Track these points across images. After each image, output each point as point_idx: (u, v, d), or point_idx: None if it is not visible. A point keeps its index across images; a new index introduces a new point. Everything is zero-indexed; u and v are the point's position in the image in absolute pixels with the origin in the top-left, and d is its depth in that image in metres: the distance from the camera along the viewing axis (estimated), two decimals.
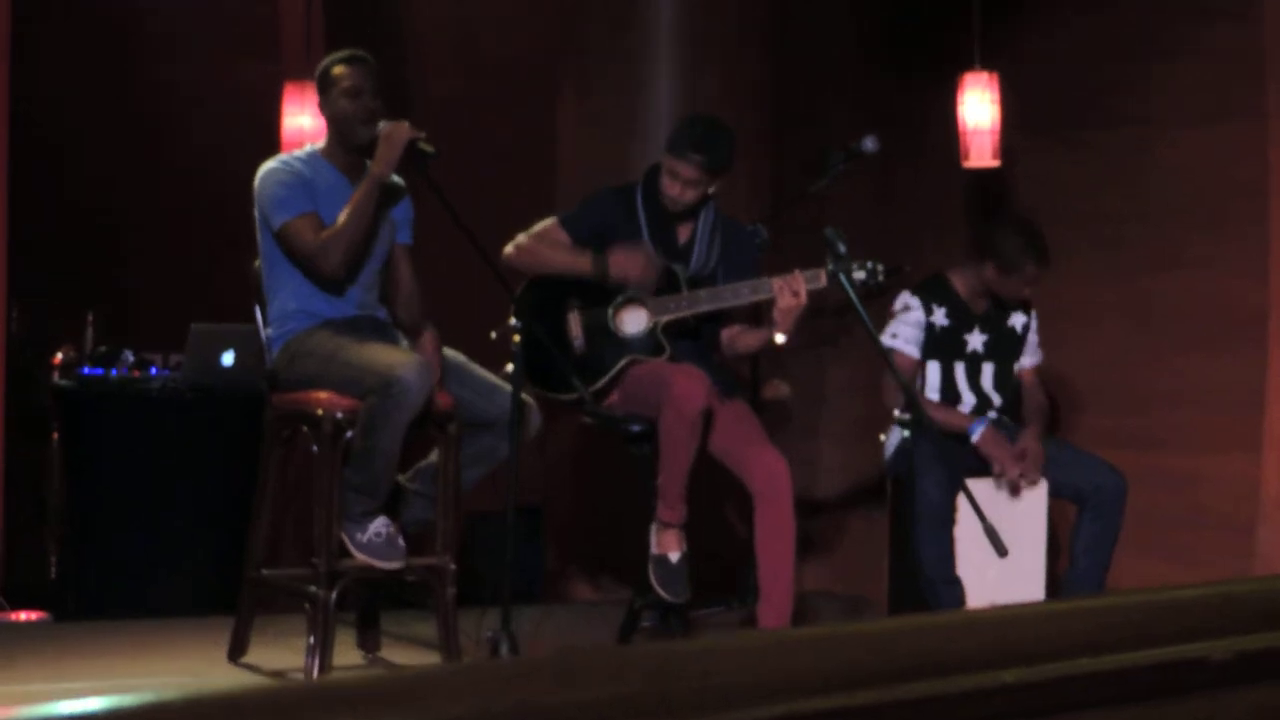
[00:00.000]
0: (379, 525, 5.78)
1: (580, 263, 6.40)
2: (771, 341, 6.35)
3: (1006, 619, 2.02)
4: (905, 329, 6.71)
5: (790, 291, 6.18)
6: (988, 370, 6.80)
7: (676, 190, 6.35)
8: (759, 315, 6.57)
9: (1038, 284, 6.70)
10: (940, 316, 6.74)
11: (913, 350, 6.70)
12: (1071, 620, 2.02)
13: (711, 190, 6.43)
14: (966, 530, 6.35)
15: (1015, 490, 6.57)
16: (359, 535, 5.77)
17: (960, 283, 6.78)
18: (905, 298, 6.74)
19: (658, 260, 6.37)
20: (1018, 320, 6.86)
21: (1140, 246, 7.73)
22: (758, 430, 6.42)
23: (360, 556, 5.78)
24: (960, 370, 6.77)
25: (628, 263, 6.36)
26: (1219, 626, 2.15)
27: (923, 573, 6.42)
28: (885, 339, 6.64)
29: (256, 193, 5.96)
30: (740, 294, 6.32)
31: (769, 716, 1.71)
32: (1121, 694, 2.03)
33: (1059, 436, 7.00)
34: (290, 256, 5.95)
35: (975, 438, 6.57)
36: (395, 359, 5.74)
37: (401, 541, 5.81)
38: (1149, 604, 2.13)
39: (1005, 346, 6.82)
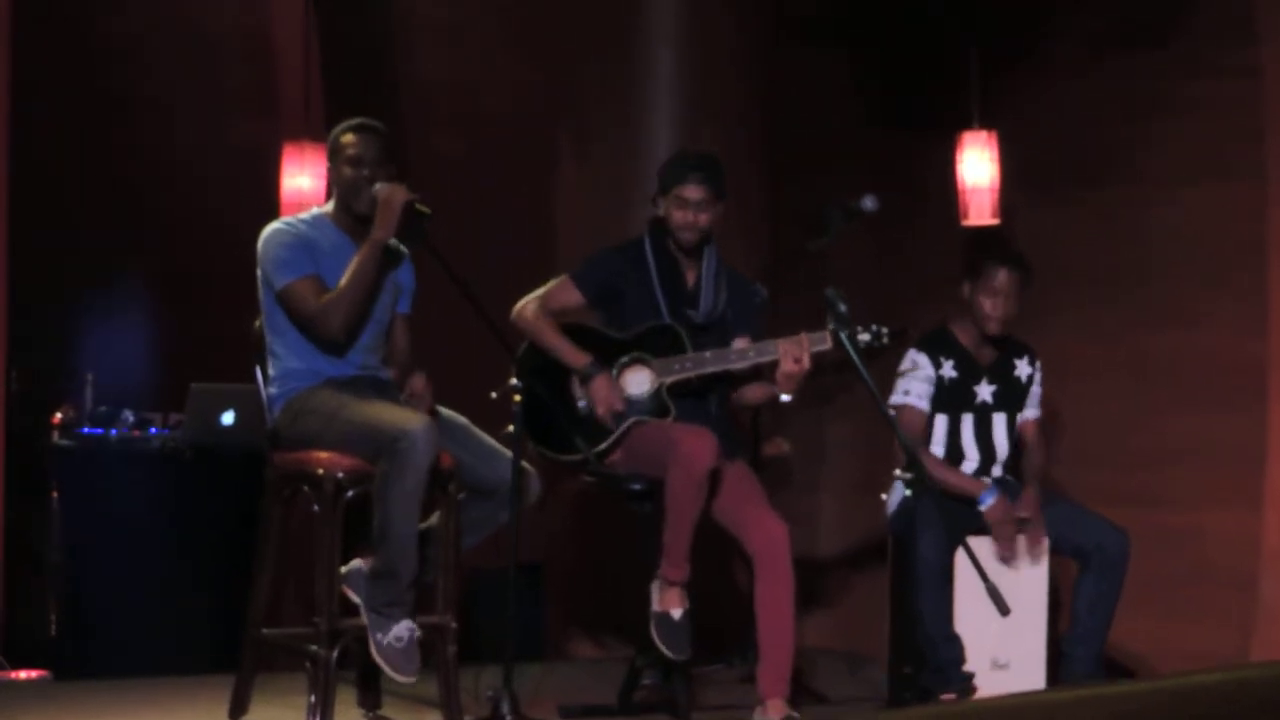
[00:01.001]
0: (401, 630, 5.73)
1: (575, 359, 6.41)
2: (776, 398, 6.38)
3: (1015, 708, 2.00)
4: (917, 384, 6.74)
5: (793, 357, 6.21)
6: (999, 420, 6.82)
7: (690, 216, 6.38)
8: (760, 372, 6.58)
9: (1014, 296, 6.69)
10: (949, 369, 6.77)
11: (925, 405, 6.74)
12: (1080, 710, 2.00)
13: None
14: (967, 587, 6.36)
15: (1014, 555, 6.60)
16: (380, 635, 5.73)
17: (963, 334, 6.81)
18: (913, 355, 6.77)
19: (619, 415, 6.37)
20: (1023, 370, 6.88)
21: (1139, 304, 7.74)
22: (758, 493, 6.41)
23: (377, 659, 5.75)
24: (968, 423, 6.79)
25: (601, 396, 6.36)
26: (1231, 713, 2.13)
27: (922, 629, 6.43)
28: (898, 396, 6.70)
29: (259, 253, 5.98)
30: (746, 356, 6.33)
31: None
32: None
33: (1060, 494, 6.99)
34: (291, 318, 5.96)
35: (985, 507, 6.56)
36: (400, 416, 5.74)
37: (418, 652, 5.76)
38: (1161, 691, 2.12)
39: (1013, 396, 6.84)
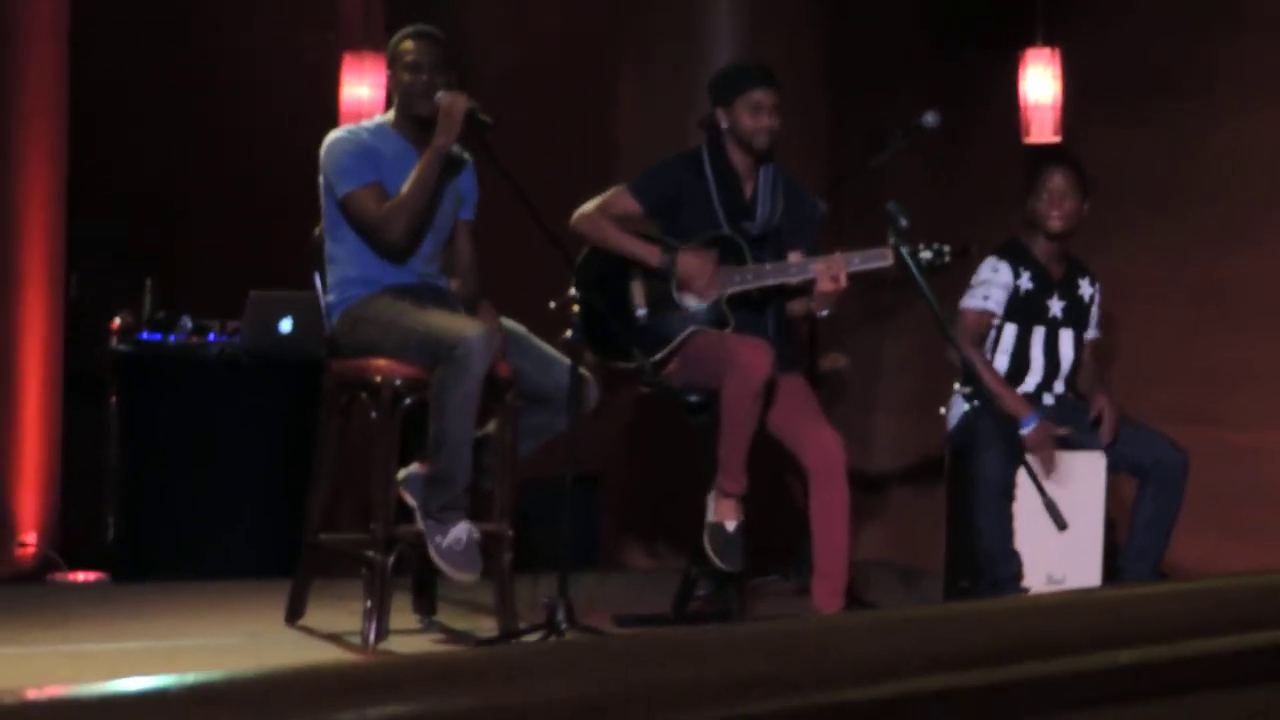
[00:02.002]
0: (460, 531, 5.74)
1: (648, 253, 6.39)
2: (811, 312, 6.39)
3: (1121, 600, 2.00)
4: (996, 291, 6.68)
5: (829, 276, 6.20)
6: (1066, 337, 6.78)
7: (765, 120, 6.39)
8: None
9: (1071, 196, 6.64)
10: (1026, 280, 6.72)
11: (999, 310, 6.69)
12: (1185, 601, 1.99)
13: None
14: (1026, 504, 6.33)
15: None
16: (439, 539, 5.75)
17: (1035, 247, 6.76)
18: (994, 261, 6.71)
19: (721, 278, 6.36)
20: (1086, 290, 6.85)
21: (1204, 223, 7.67)
22: (814, 407, 6.40)
23: (437, 562, 5.77)
24: (1039, 336, 6.75)
25: (696, 269, 6.35)
26: None
27: (981, 545, 6.41)
28: (977, 300, 6.65)
29: (322, 161, 5.99)
30: (806, 270, 6.30)
31: (880, 696, 1.70)
32: (1236, 676, 2.01)
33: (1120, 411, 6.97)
34: (353, 226, 5.97)
35: (1025, 430, 6.52)
36: (458, 324, 5.75)
37: (478, 552, 5.79)
38: (1264, 586, 2.11)
39: (1078, 314, 6.81)
